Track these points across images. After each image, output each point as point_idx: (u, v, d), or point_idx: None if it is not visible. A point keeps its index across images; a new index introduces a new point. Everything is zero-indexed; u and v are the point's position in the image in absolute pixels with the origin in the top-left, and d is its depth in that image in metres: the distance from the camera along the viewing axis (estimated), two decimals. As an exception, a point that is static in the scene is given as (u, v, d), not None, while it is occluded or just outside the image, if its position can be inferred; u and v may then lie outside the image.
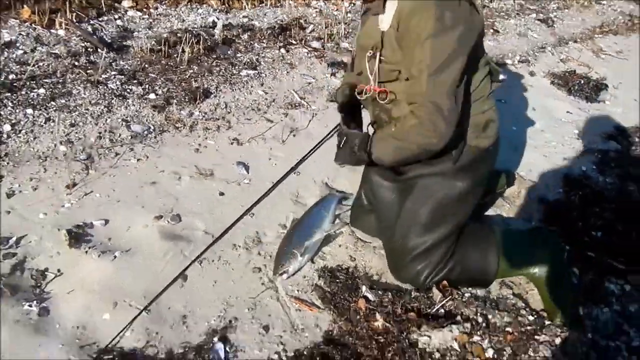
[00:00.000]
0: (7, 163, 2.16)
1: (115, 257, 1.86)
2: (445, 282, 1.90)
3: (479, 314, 1.85)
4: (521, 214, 2.40)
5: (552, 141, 3.06)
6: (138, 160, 2.33)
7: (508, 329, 1.80)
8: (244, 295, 1.82)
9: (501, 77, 1.92)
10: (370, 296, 1.86)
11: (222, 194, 2.24)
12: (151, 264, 1.86)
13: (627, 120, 3.41)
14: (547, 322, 1.82)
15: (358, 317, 1.79)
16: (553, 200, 2.51)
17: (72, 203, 2.05)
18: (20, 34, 3.11)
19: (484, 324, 1.81)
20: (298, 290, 1.87)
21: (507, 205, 2.44)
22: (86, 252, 1.86)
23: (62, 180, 2.14)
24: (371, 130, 1.96)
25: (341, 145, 1.83)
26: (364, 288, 1.88)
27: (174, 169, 2.31)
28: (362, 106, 2.05)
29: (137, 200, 2.12)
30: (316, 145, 2.62)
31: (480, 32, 1.72)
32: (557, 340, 1.75)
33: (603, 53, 4.78)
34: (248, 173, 2.39)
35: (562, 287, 1.90)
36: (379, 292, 1.87)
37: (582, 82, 3.86)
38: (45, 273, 1.76)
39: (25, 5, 3.64)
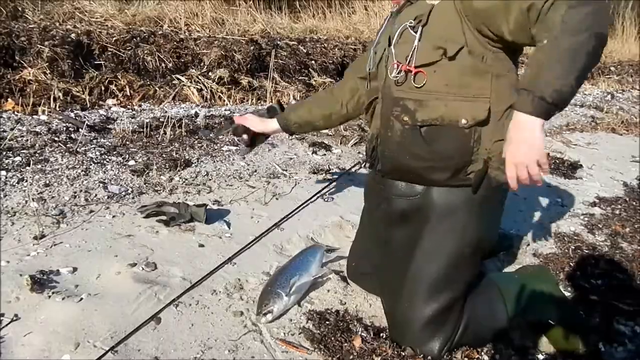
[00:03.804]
0: (-28, 217, 2.04)
1: (81, 299, 1.68)
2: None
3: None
4: (515, 266, 2.30)
5: (535, 208, 3.04)
6: (114, 217, 2.22)
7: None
8: (224, 338, 1.62)
9: None
10: (366, 335, 1.68)
11: (201, 245, 2.11)
12: (121, 306, 1.68)
13: (607, 192, 3.43)
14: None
15: (351, 357, 1.60)
16: (547, 254, 2.43)
17: (39, 252, 1.90)
18: (1, 117, 3.12)
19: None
20: (284, 333, 1.69)
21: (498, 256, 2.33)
22: (49, 296, 1.67)
23: (30, 233, 2.00)
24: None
25: None
26: (358, 328, 1.71)
27: (151, 224, 2.20)
28: None
29: (109, 250, 1.98)
30: (305, 202, 2.57)
31: None
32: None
33: (573, 144, 4.96)
34: (229, 228, 2.28)
35: (574, 322, 1.75)
36: (375, 332, 1.70)
37: (557, 161, 3.96)
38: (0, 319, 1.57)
39: (10, 99, 3.73)
